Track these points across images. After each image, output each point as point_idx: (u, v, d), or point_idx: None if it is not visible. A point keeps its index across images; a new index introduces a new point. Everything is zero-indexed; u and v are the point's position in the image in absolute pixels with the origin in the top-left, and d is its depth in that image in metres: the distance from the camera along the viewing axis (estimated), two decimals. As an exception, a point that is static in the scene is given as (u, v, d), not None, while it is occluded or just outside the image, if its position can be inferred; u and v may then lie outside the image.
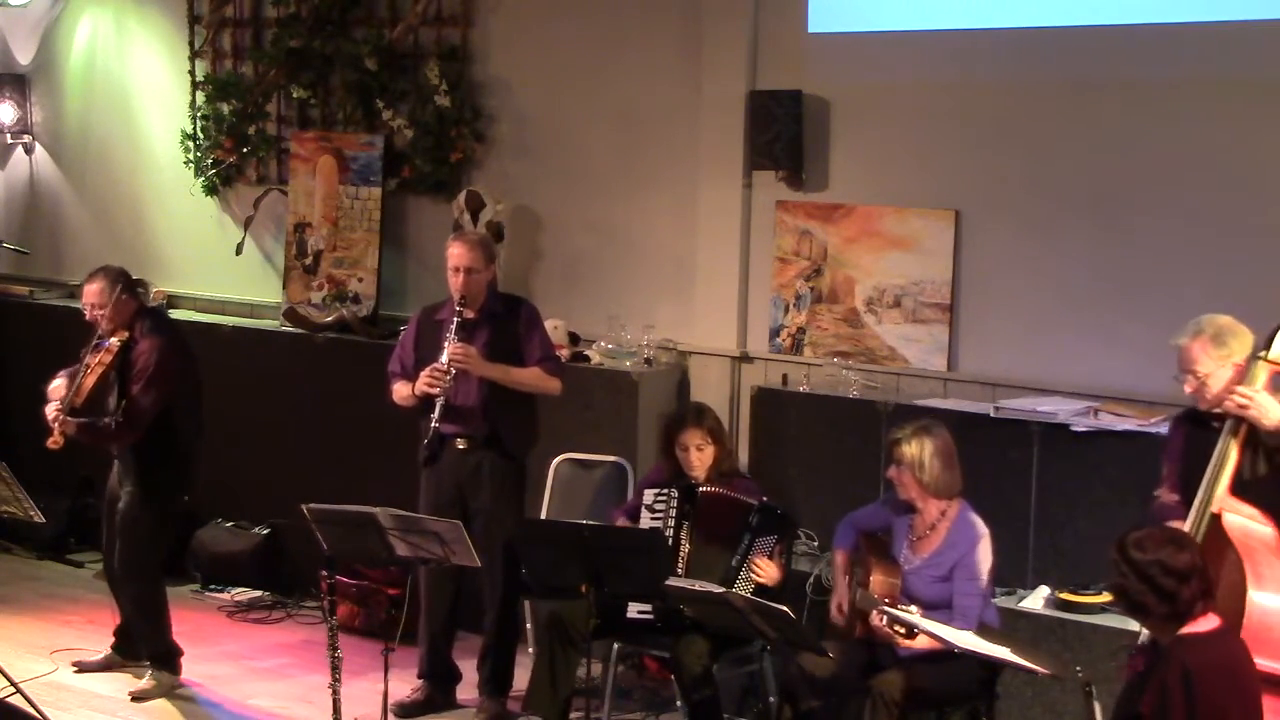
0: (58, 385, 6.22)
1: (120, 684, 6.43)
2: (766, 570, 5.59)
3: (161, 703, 6.32)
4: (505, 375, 5.97)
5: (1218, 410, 4.54)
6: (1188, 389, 4.62)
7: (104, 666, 6.55)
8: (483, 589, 6.12)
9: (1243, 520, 4.36)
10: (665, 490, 5.81)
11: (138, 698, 6.31)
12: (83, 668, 6.56)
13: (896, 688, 4.92)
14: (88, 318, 6.25)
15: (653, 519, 5.77)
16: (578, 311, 7.17)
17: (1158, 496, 4.77)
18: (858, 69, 6.56)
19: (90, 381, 6.08)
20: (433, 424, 5.88)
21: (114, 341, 6.14)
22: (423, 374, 5.91)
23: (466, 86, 7.47)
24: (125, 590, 6.39)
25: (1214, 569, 4.18)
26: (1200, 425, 4.65)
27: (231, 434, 7.83)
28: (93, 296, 6.21)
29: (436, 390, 5.85)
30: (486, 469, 6.01)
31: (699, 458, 5.78)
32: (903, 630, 4.83)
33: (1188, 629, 3.93)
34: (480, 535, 5.65)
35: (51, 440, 6.02)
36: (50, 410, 6.09)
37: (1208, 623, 3.96)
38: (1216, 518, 4.38)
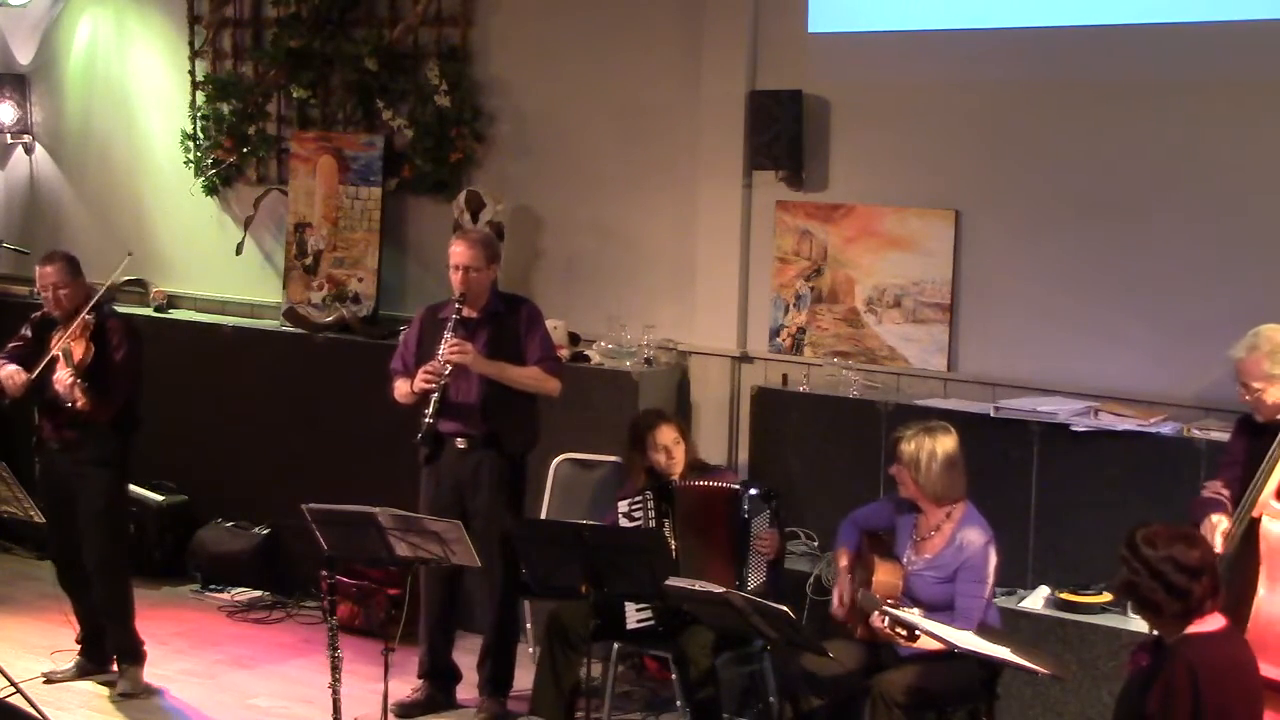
0: (12, 371, 6.18)
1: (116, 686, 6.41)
2: (770, 544, 5.66)
3: (161, 703, 6.31)
4: (502, 373, 5.96)
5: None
6: (1243, 399, 4.67)
7: (75, 676, 6.47)
8: (482, 589, 6.11)
9: None
10: (638, 497, 5.81)
11: (125, 696, 6.31)
12: (51, 679, 6.43)
13: (898, 688, 4.93)
14: (48, 298, 6.28)
15: (633, 527, 5.77)
16: (578, 311, 7.16)
17: (1204, 488, 4.76)
18: (858, 69, 6.56)
19: (82, 354, 6.06)
20: (426, 419, 5.87)
21: (89, 318, 6.16)
22: (420, 370, 5.92)
23: (466, 86, 7.47)
24: (102, 586, 6.31)
25: (1246, 572, 4.18)
26: (1260, 435, 4.66)
27: (231, 434, 7.86)
28: (55, 276, 6.25)
29: (433, 386, 5.85)
30: (485, 469, 6.00)
31: (678, 453, 5.82)
32: (904, 631, 4.83)
33: (1194, 628, 3.92)
34: (479, 535, 5.64)
35: (81, 404, 6.03)
36: (65, 376, 6.04)
37: (1214, 622, 3.95)
38: (1255, 522, 4.38)
